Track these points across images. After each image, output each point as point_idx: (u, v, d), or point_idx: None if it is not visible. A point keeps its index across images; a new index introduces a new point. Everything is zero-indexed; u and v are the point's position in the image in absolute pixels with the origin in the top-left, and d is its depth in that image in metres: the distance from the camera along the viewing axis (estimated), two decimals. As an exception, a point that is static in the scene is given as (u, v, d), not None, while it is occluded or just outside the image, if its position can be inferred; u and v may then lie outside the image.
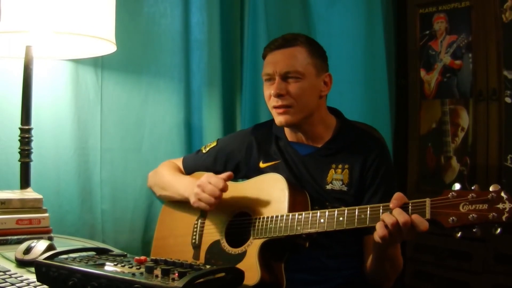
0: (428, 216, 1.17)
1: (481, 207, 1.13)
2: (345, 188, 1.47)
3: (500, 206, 1.11)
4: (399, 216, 1.18)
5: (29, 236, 1.40)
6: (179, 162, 1.76)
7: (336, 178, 1.48)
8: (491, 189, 1.13)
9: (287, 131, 1.59)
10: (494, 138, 2.26)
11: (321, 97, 1.54)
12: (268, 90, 1.50)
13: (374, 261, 1.40)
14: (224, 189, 1.45)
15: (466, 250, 2.30)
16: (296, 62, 1.47)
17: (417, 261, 2.48)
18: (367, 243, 1.44)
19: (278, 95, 1.46)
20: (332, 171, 1.50)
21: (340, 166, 1.49)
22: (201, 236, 1.55)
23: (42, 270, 1.00)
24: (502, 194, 1.11)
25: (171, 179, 1.66)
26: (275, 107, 1.49)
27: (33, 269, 1.05)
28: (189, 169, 1.72)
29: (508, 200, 1.11)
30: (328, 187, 1.48)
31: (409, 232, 1.18)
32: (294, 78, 1.47)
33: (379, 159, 1.49)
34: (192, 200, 1.49)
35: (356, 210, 1.28)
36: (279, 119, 1.50)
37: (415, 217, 1.18)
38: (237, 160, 1.66)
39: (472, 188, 1.16)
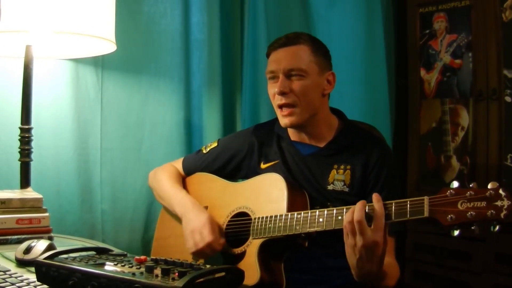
0: (426, 214, 1.17)
1: (480, 205, 1.12)
2: (346, 189, 1.47)
3: (499, 203, 1.10)
4: (356, 213, 1.20)
5: (29, 236, 1.40)
6: (179, 164, 1.76)
7: (338, 179, 1.48)
8: (489, 186, 1.13)
9: (290, 130, 1.59)
10: (494, 137, 2.26)
11: (324, 96, 1.54)
12: (272, 89, 1.50)
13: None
14: (210, 245, 1.44)
15: (466, 250, 2.30)
16: (300, 60, 1.48)
17: (417, 261, 2.48)
18: None
19: (282, 93, 1.47)
20: (333, 171, 1.50)
21: (342, 166, 1.49)
22: (201, 236, 1.55)
23: (42, 270, 1.00)
24: (501, 191, 1.11)
25: (168, 190, 1.65)
26: (280, 107, 1.49)
27: (33, 269, 1.05)
28: (189, 170, 1.72)
29: (507, 198, 1.10)
30: (330, 187, 1.48)
31: (363, 231, 1.18)
32: (297, 76, 1.47)
33: (382, 160, 1.49)
34: (184, 234, 1.51)
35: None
36: (284, 121, 1.50)
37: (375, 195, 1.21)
38: (238, 160, 1.66)
39: (471, 185, 1.15)
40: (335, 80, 1.55)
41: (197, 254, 1.47)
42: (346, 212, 1.27)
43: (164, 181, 1.69)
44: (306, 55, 1.48)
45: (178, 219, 1.62)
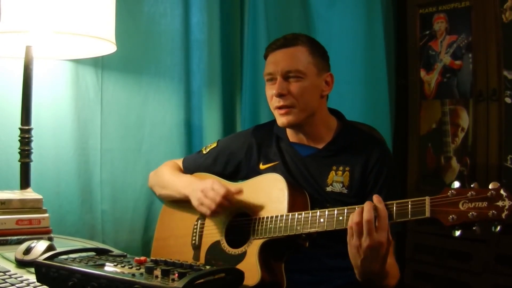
0: (428, 214, 1.17)
1: (481, 205, 1.13)
2: (345, 191, 1.47)
3: (500, 203, 1.11)
4: (366, 214, 1.20)
5: (29, 237, 1.40)
6: (179, 162, 1.76)
7: (337, 180, 1.48)
8: (490, 186, 1.13)
9: (288, 131, 1.59)
10: (494, 138, 2.26)
11: (323, 97, 1.54)
12: (270, 91, 1.50)
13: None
14: (226, 196, 1.45)
15: (466, 251, 2.30)
16: (298, 62, 1.47)
17: (417, 261, 2.48)
18: None
19: (280, 95, 1.46)
20: (332, 173, 1.49)
21: (340, 168, 1.49)
22: (201, 237, 1.55)
23: (42, 271, 1.00)
24: (502, 191, 1.12)
25: (171, 177, 1.67)
26: (277, 108, 1.49)
27: (33, 270, 1.05)
28: (189, 170, 1.72)
29: (508, 198, 1.11)
30: (328, 189, 1.48)
31: (371, 231, 1.19)
32: (295, 78, 1.47)
33: (381, 161, 1.49)
34: (195, 203, 1.50)
35: (356, 209, 1.27)
36: (281, 120, 1.50)
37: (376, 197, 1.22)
38: (237, 161, 1.66)
39: (472, 186, 1.16)
40: (333, 81, 1.55)
41: (216, 211, 1.46)
42: (347, 212, 1.27)
43: (165, 171, 1.70)
44: (304, 57, 1.48)
45: (178, 219, 1.62)
